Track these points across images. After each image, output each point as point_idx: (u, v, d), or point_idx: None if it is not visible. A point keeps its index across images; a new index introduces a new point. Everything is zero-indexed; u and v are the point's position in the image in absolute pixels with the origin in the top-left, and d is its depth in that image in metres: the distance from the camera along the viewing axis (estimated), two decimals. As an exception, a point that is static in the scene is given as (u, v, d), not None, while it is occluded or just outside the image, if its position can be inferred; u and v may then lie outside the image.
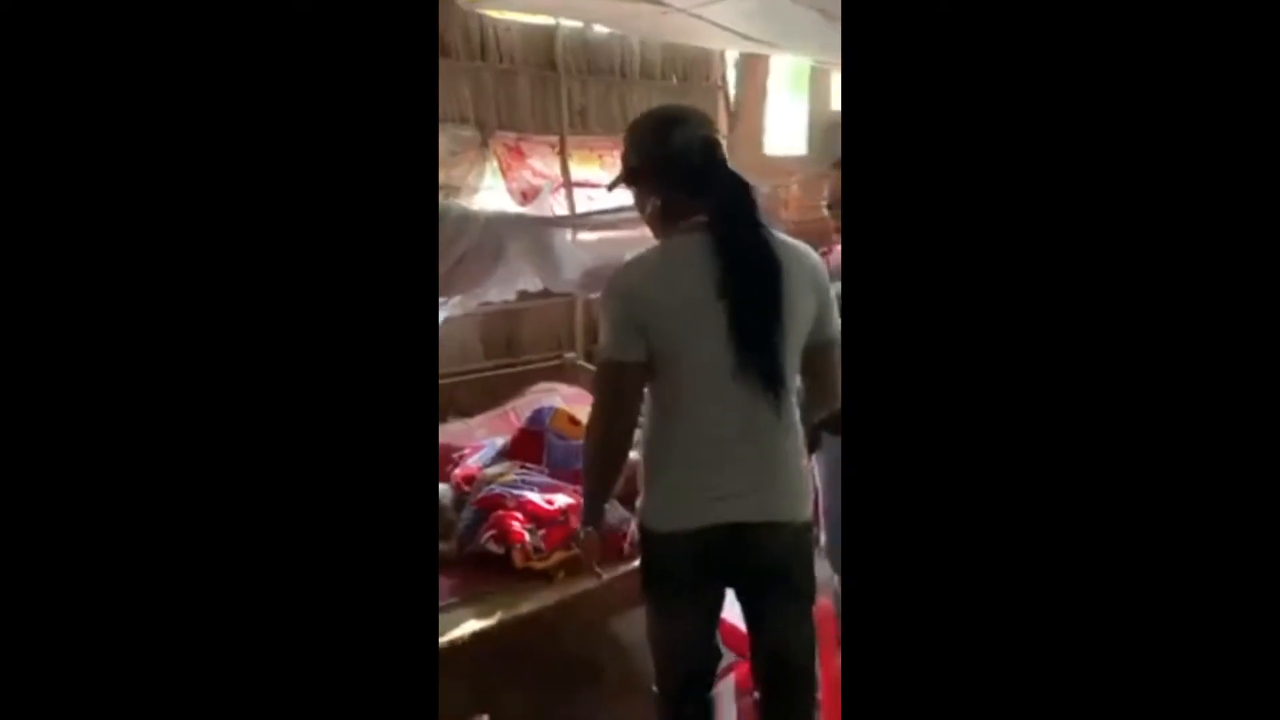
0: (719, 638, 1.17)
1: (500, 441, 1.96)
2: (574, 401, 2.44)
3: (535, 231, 1.45)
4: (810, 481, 1.13)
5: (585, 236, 1.64)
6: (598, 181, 3.03)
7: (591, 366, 2.78)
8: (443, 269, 1.32)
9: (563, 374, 2.79)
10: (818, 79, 3.51)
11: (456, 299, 1.56)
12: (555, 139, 2.81)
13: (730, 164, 1.04)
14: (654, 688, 1.18)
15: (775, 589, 1.08)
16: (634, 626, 1.83)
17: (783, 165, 3.45)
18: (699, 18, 2.10)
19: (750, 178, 1.03)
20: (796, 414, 1.06)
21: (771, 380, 0.96)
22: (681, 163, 1.01)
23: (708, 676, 1.17)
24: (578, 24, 2.78)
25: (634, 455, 1.08)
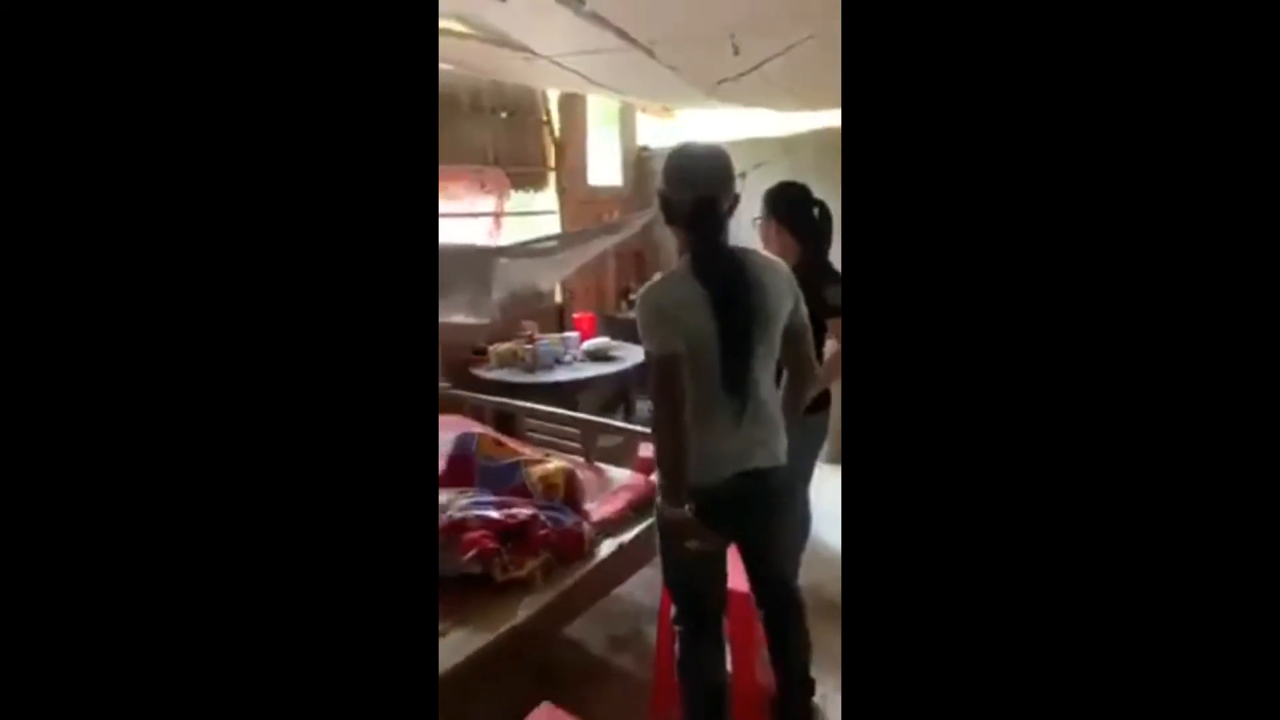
0: (727, 574, 1.44)
1: (426, 473, 1.95)
2: (457, 430, 2.47)
3: (480, 261, 1.55)
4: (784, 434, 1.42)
5: (505, 264, 1.76)
6: (442, 211, 3.06)
7: (465, 394, 2.81)
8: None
9: (439, 406, 2.75)
10: (626, 115, 3.93)
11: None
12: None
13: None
14: (676, 627, 1.43)
15: (774, 522, 1.37)
16: (612, 618, 2.00)
17: (603, 195, 3.81)
18: (561, 66, 2.33)
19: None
20: (775, 390, 1.37)
21: (742, 391, 1.27)
22: (681, 210, 1.27)
23: (724, 602, 1.44)
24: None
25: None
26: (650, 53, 2.16)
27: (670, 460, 1.26)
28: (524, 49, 2.23)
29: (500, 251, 1.65)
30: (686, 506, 1.26)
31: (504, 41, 2.19)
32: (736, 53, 1.89)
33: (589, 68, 2.26)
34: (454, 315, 1.72)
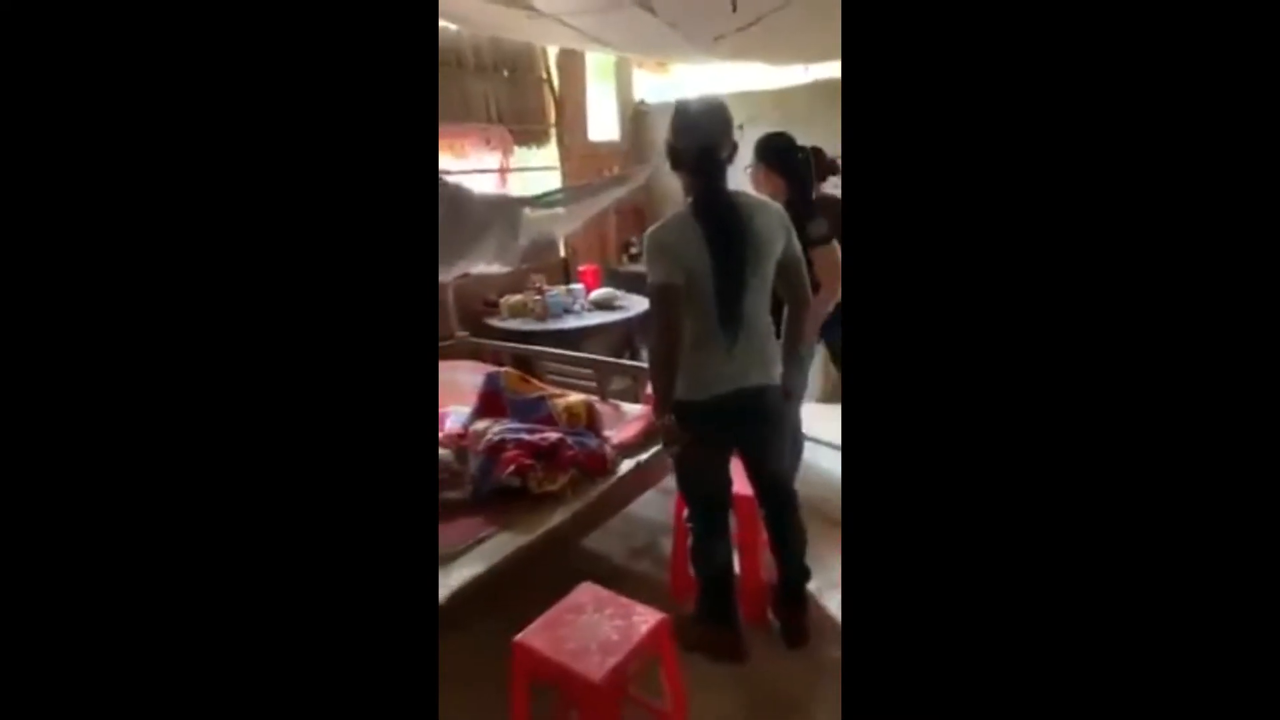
0: (730, 478, 1.68)
1: (461, 408, 2.15)
2: (478, 372, 2.67)
3: (510, 210, 1.72)
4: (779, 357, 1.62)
5: (528, 213, 1.93)
6: (447, 169, 3.18)
7: (477, 340, 3.00)
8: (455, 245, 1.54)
9: (455, 352, 2.94)
10: (622, 71, 4.02)
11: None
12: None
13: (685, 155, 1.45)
14: (688, 524, 1.67)
15: (770, 431, 1.59)
16: (630, 533, 2.26)
17: (603, 150, 3.92)
18: (562, 23, 2.44)
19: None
20: (769, 319, 1.56)
21: (736, 318, 1.46)
22: (686, 158, 1.44)
23: (727, 503, 1.68)
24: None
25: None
26: (650, 9, 2.28)
27: (659, 377, 1.47)
28: (528, 6, 2.35)
29: (524, 202, 1.82)
30: (669, 416, 1.49)
31: (512, 1, 2.30)
32: (734, 9, 2.03)
33: (589, 24, 2.38)
34: (481, 261, 1.89)
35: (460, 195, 1.57)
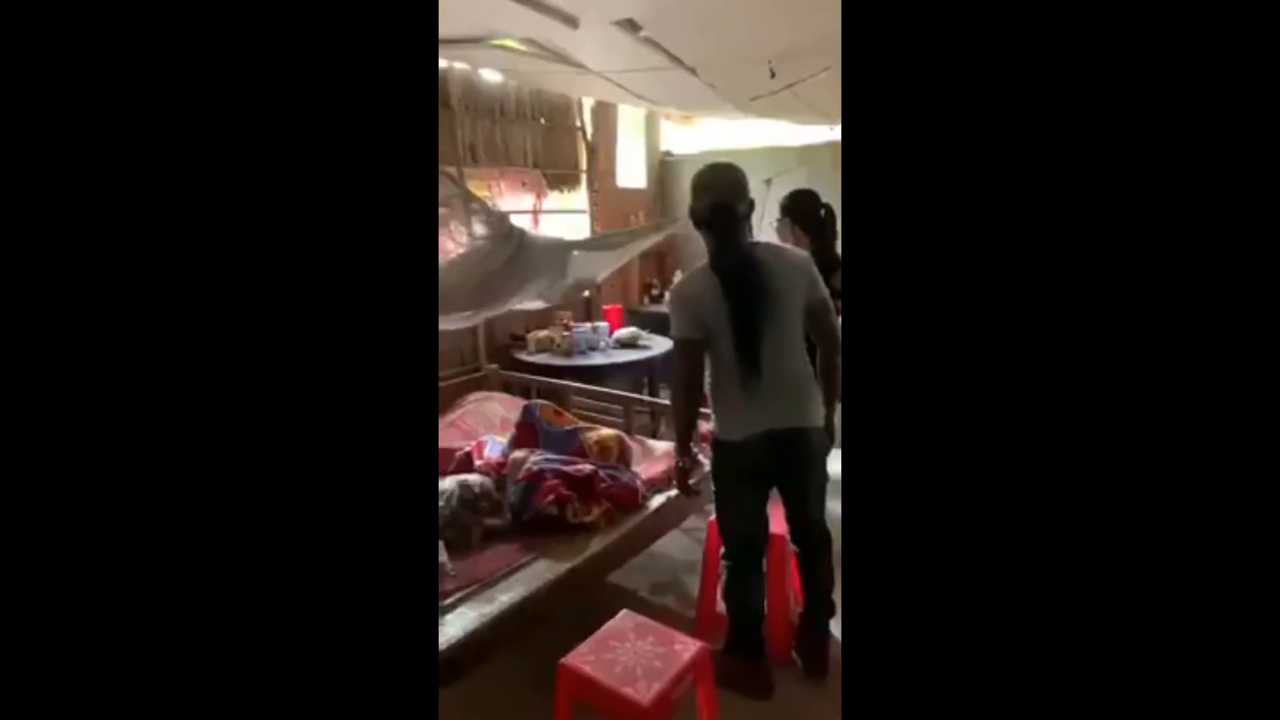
0: (768, 517, 1.74)
1: (496, 438, 2.23)
2: (506, 405, 2.75)
3: (560, 252, 1.84)
4: (819, 400, 1.70)
5: (576, 255, 2.05)
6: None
7: (506, 373, 3.10)
8: (510, 282, 1.65)
9: (486, 383, 3.03)
10: (651, 122, 4.22)
11: (471, 312, 1.86)
12: (453, 169, 3.06)
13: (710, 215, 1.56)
14: (724, 560, 1.73)
15: (805, 474, 1.67)
16: (654, 569, 2.30)
17: (630, 196, 4.10)
18: (608, 79, 2.62)
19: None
20: (803, 361, 1.64)
21: (755, 364, 1.55)
22: (704, 216, 1.57)
23: (763, 542, 1.74)
24: (465, 67, 3.08)
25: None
26: (693, 72, 2.45)
27: (676, 420, 1.63)
28: (579, 65, 2.52)
29: (573, 245, 1.94)
30: (685, 459, 1.66)
31: (563, 59, 2.48)
32: (773, 76, 2.18)
33: (633, 81, 2.55)
34: (529, 299, 2.00)
35: (525, 239, 1.69)
